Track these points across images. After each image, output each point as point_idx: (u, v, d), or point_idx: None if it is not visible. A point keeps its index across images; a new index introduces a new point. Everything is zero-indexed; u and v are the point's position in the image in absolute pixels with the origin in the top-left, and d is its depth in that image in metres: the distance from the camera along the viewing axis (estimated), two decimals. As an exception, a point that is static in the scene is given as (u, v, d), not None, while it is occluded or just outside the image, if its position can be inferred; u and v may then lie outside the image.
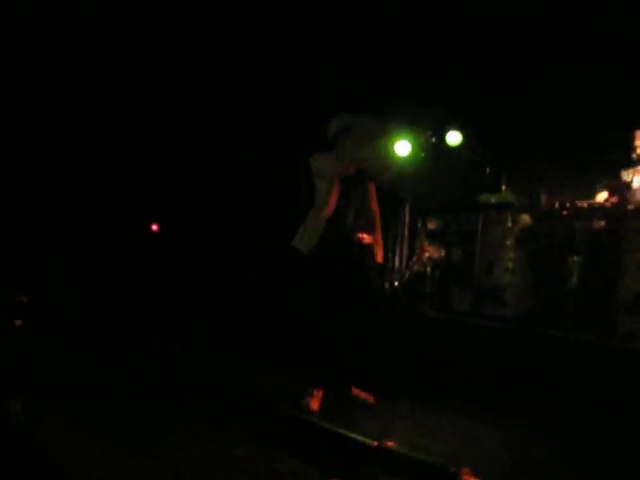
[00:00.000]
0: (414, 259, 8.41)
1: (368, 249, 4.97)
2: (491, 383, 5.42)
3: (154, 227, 9.34)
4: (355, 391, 4.98)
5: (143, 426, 4.18)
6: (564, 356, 5.64)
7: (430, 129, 8.25)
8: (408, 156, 8.54)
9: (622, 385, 5.14)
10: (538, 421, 4.67)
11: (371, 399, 4.98)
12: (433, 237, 8.36)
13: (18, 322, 5.59)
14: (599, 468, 3.86)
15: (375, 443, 3.60)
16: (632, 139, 6.43)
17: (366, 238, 4.97)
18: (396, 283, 8.26)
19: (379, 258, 5.09)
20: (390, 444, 3.57)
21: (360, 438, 3.75)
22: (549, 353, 5.75)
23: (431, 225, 8.22)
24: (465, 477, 3.15)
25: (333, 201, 4.85)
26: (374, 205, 5.13)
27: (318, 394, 4.78)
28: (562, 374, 5.39)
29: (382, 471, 3.44)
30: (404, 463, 3.46)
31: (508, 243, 6.91)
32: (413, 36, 8.38)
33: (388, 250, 8.42)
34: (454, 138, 8.27)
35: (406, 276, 8.24)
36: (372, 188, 5.17)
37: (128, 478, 3.44)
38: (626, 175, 6.50)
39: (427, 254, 8.16)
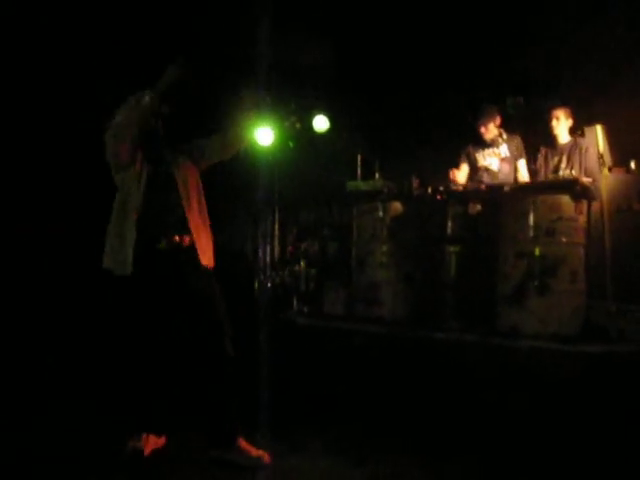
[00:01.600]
0: (287, 256, 7.90)
1: (189, 254, 3.87)
2: (369, 401, 4.88)
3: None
4: (244, 445, 3.79)
5: None
6: (446, 359, 5.30)
7: (295, 114, 7.62)
8: (272, 145, 8.03)
9: (507, 386, 4.80)
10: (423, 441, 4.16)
11: (266, 457, 3.78)
12: (306, 231, 7.96)
13: None
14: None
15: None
16: (479, 131, 6.58)
17: (185, 240, 3.88)
18: (269, 284, 7.74)
19: (206, 261, 3.93)
20: None
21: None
22: (429, 357, 5.38)
23: (302, 218, 7.67)
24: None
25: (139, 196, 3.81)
26: (193, 195, 3.97)
27: (153, 439, 3.85)
28: (443, 380, 4.97)
29: None
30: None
31: (380, 235, 6.39)
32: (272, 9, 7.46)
33: (258, 248, 7.99)
34: (321, 124, 7.75)
35: (277, 277, 7.69)
36: (190, 171, 4.02)
37: None
38: (482, 160, 6.63)
39: (300, 250, 7.63)
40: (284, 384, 4.79)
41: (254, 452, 3.70)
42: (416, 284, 6.20)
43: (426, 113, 7.87)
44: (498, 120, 6.53)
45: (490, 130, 6.52)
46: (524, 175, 6.49)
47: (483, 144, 6.58)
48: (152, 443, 3.81)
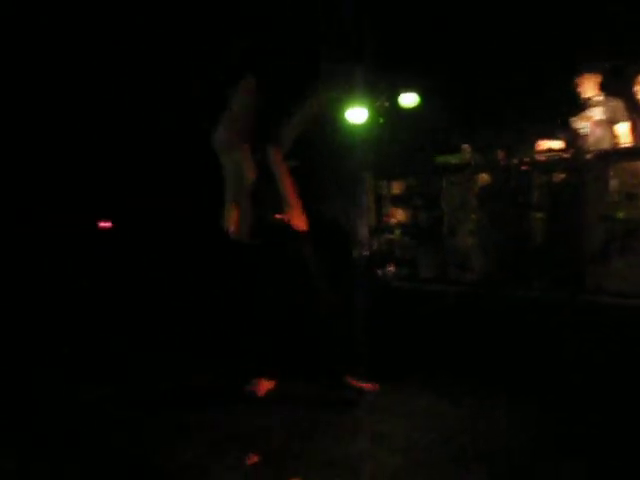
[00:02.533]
0: (381, 225, 8.36)
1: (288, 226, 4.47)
2: (461, 353, 5.34)
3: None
4: (351, 380, 4.47)
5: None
6: (534, 318, 5.66)
7: (384, 93, 8.08)
8: (365, 122, 8.37)
9: (597, 341, 5.12)
10: (514, 389, 4.54)
11: (372, 387, 4.46)
12: (398, 202, 8.29)
13: None
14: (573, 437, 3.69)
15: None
16: (575, 86, 6.51)
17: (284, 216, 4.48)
18: (366, 253, 8.21)
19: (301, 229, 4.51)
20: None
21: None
22: (518, 315, 5.76)
23: (396, 190, 8.11)
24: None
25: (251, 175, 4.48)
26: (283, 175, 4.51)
27: (265, 382, 4.51)
28: (534, 336, 5.39)
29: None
30: None
31: (469, 204, 6.79)
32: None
33: (355, 219, 8.33)
34: (409, 100, 8.15)
35: (375, 245, 8.19)
36: (276, 153, 4.54)
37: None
38: (574, 124, 6.57)
39: (394, 220, 8.10)
40: (382, 338, 5.38)
41: (361, 385, 4.38)
42: (504, 250, 6.54)
43: (514, 82, 7.83)
44: (596, 78, 6.43)
45: (586, 87, 6.43)
46: (624, 139, 6.27)
47: (575, 108, 6.51)
48: (265, 386, 4.48)
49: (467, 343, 5.52)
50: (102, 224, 8.78)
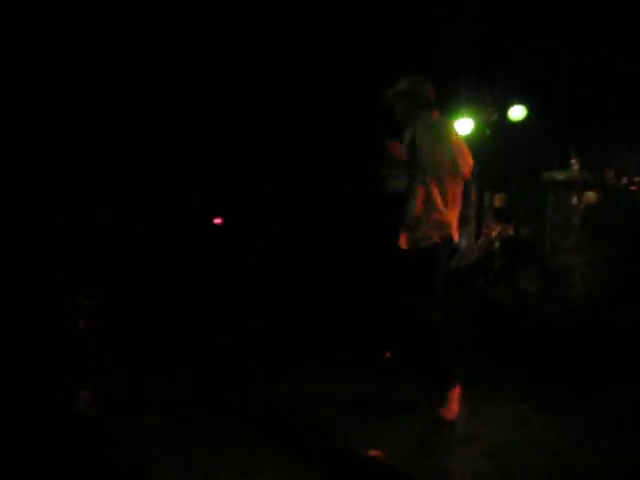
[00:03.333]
0: (482, 238, 8.31)
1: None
2: (555, 368, 5.37)
3: (217, 220, 9.29)
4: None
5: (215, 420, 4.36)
6: (629, 342, 5.50)
7: (491, 105, 8.05)
8: (471, 133, 8.29)
9: None
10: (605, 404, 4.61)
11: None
12: (500, 215, 8.20)
13: (82, 322, 5.81)
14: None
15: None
16: None
17: None
18: (466, 263, 8.16)
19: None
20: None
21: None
22: (612, 337, 5.65)
23: (497, 203, 8.05)
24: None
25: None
26: None
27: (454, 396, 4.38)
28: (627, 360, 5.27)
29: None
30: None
31: (574, 222, 6.69)
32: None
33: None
34: (518, 113, 8.09)
35: (475, 256, 8.15)
36: None
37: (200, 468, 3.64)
38: None
39: (495, 233, 8.05)
40: (481, 349, 5.58)
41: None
42: (607, 269, 6.43)
43: (628, 98, 7.59)
44: None
45: None
46: None
47: None
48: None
49: (562, 358, 5.51)
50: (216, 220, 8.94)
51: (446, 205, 4.40)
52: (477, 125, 8.36)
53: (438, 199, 4.37)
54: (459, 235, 7.83)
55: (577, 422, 4.28)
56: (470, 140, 8.11)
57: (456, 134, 4.66)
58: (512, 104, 8.14)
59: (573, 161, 7.21)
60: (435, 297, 4.36)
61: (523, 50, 8.29)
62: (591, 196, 6.71)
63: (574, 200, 6.76)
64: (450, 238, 4.44)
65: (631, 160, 6.90)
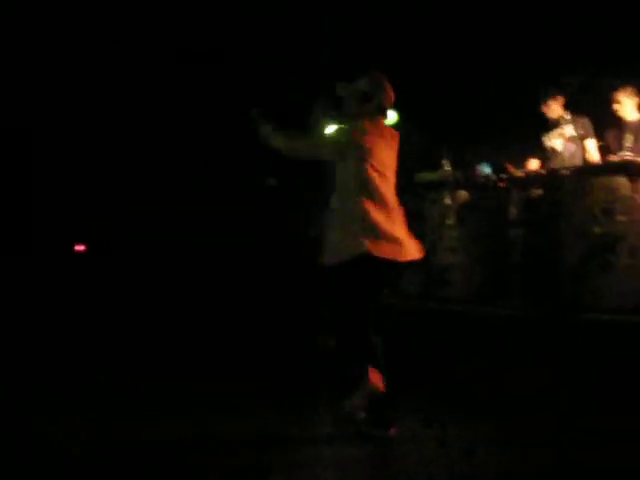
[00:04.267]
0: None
1: None
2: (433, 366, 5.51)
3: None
4: None
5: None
6: (513, 333, 5.82)
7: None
8: None
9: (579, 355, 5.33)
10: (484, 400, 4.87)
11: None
12: None
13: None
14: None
15: None
16: (545, 105, 6.74)
17: None
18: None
19: None
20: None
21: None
22: (495, 331, 5.90)
23: None
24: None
25: None
26: None
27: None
28: (504, 350, 5.57)
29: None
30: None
31: (449, 221, 6.81)
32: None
33: None
34: (389, 117, 7.08)
35: None
36: None
37: None
38: (548, 141, 6.79)
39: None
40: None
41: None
42: (484, 266, 6.66)
43: (491, 99, 8.01)
44: (560, 100, 6.67)
45: (552, 109, 6.67)
46: (593, 155, 6.57)
47: (548, 126, 6.76)
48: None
49: (446, 357, 5.73)
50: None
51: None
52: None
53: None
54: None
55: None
56: None
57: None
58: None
59: (444, 161, 7.29)
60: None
61: (393, 53, 8.20)
62: (464, 195, 6.79)
63: (448, 200, 6.77)
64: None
65: (499, 158, 7.14)
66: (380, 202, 4.05)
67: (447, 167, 7.20)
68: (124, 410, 4.70)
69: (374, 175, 4.06)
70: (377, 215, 4.01)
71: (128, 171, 9.05)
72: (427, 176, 7.23)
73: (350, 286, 4.02)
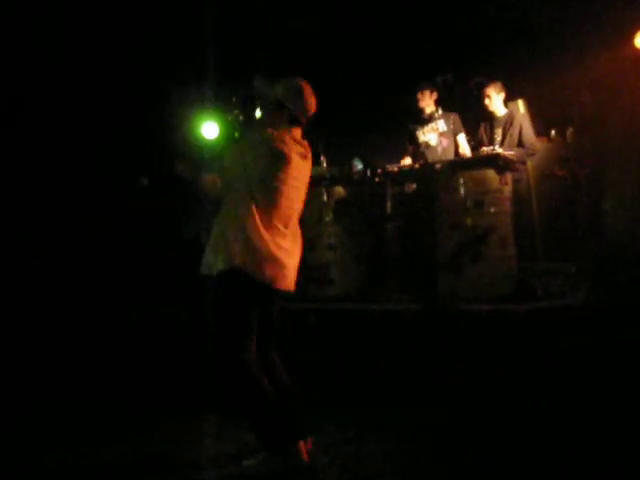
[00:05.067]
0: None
1: None
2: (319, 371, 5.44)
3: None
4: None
5: None
6: (393, 329, 5.78)
7: (237, 107, 6.69)
8: (218, 137, 8.24)
9: (448, 345, 5.41)
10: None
11: None
12: None
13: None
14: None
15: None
16: (417, 103, 6.97)
17: None
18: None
19: None
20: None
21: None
22: (379, 328, 5.84)
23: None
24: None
25: None
26: None
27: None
28: (390, 347, 5.57)
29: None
30: None
31: (326, 218, 6.72)
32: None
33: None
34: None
35: None
36: None
37: None
38: (422, 136, 7.02)
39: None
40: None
41: None
42: (363, 262, 6.65)
43: (366, 96, 8.10)
44: (434, 95, 6.92)
45: (426, 103, 6.92)
46: (465, 149, 6.89)
47: (422, 121, 7.00)
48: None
49: (331, 359, 5.68)
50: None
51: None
52: (224, 128, 8.01)
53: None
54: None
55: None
56: (218, 144, 8.12)
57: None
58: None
59: (321, 158, 7.25)
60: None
61: (267, 47, 8.23)
62: (340, 190, 6.78)
63: (324, 196, 6.73)
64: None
65: (379, 151, 7.33)
66: (276, 218, 3.75)
67: (323, 163, 7.18)
68: None
69: (279, 187, 3.77)
70: (266, 232, 3.69)
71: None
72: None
73: (224, 302, 3.71)
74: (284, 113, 3.92)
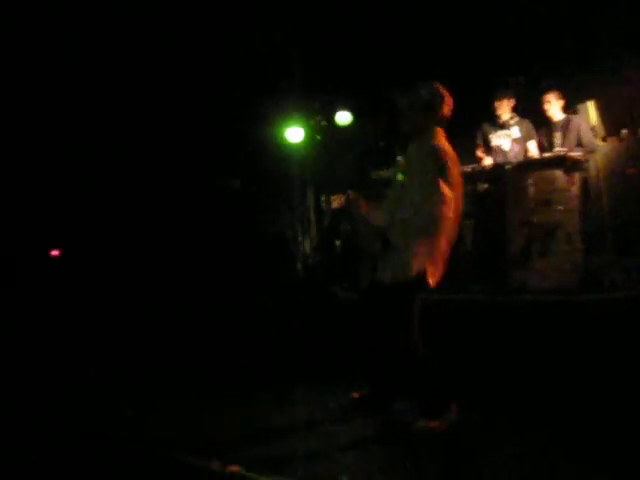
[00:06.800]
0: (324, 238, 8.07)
1: None
2: None
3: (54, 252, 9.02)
4: None
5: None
6: (468, 316, 6.09)
7: (320, 112, 7.56)
8: (302, 141, 8.68)
9: (518, 333, 5.63)
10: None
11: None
12: (339, 215, 8.37)
13: None
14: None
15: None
16: (494, 109, 7.25)
17: None
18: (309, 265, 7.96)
19: None
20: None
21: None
22: (455, 316, 6.13)
23: (335, 204, 7.81)
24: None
25: None
26: None
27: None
28: (463, 332, 5.87)
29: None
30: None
31: None
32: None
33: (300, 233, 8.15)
34: (344, 118, 7.84)
35: (317, 257, 8.01)
36: None
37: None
38: (496, 140, 7.33)
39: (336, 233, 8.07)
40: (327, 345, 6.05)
41: None
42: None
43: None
44: (511, 102, 7.18)
45: (504, 111, 7.19)
46: (534, 154, 7.08)
47: (496, 126, 7.29)
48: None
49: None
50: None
51: None
52: (308, 132, 8.69)
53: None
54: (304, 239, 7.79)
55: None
56: (302, 147, 8.68)
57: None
58: (338, 110, 7.70)
59: (399, 158, 7.59)
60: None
61: (346, 57, 8.48)
62: None
63: None
64: None
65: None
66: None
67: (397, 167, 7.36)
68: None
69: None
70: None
71: (100, 175, 9.09)
72: (382, 172, 7.59)
73: (404, 307, 4.16)
74: (435, 115, 4.20)
